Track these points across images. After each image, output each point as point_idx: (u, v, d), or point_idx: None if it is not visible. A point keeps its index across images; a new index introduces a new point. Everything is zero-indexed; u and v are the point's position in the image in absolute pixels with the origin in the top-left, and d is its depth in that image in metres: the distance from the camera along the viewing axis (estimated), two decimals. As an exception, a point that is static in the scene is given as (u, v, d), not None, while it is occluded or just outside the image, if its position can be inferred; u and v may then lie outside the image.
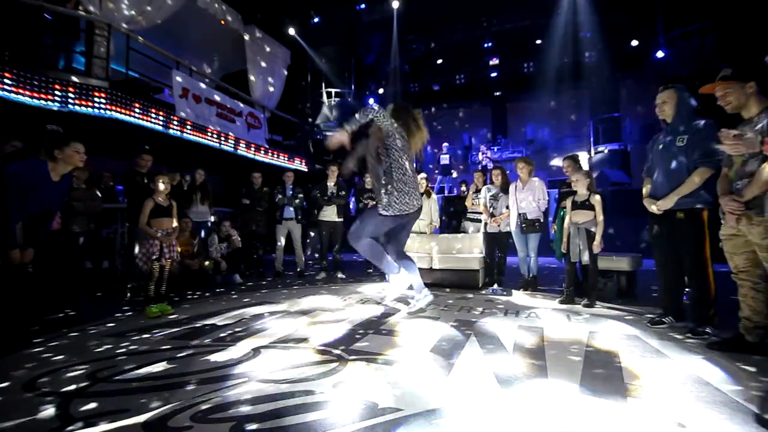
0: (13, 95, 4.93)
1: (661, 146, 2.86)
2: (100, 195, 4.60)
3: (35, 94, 5.13)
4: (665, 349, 2.32)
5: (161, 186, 3.60)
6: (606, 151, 10.48)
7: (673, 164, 2.73)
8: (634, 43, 11.73)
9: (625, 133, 11.46)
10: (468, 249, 5.16)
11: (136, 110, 6.04)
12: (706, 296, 2.64)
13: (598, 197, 3.71)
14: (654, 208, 2.81)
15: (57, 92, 5.29)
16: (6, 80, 4.88)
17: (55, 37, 5.98)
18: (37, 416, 1.52)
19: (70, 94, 5.40)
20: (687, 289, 3.28)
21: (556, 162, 12.34)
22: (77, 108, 5.42)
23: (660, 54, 10.93)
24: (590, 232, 3.64)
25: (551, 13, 11.96)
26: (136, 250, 3.78)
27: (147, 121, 6.27)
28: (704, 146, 2.60)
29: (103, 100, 5.61)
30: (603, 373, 1.95)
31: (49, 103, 5.22)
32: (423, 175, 5.85)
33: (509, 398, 1.67)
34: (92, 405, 1.61)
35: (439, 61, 13.99)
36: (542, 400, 1.65)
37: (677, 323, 2.83)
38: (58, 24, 5.94)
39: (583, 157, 11.26)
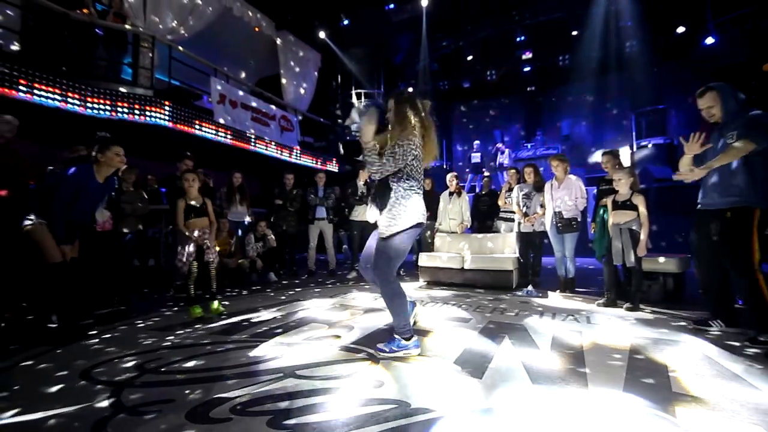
0: (69, 106, 5.33)
1: (713, 150, 2.65)
2: (146, 197, 4.88)
3: (94, 100, 5.60)
4: (718, 358, 2.16)
5: (187, 184, 3.51)
6: (649, 145, 9.87)
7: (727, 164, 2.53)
8: (680, 30, 10.98)
9: (670, 126, 10.76)
10: (501, 249, 5.05)
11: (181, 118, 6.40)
12: (760, 301, 2.44)
13: (641, 197, 3.52)
14: (689, 174, 2.57)
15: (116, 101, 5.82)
16: (64, 90, 5.29)
17: (108, 50, 6.39)
18: (93, 403, 1.63)
19: (137, 104, 5.97)
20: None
21: (595, 158, 11.79)
22: (136, 118, 5.92)
23: (709, 40, 10.21)
24: (633, 231, 3.46)
25: (587, 3, 11.42)
26: (179, 249, 3.92)
27: (188, 128, 6.59)
28: (749, 121, 2.41)
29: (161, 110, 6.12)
30: (648, 382, 1.84)
31: (102, 113, 5.63)
32: (453, 173, 5.79)
33: (545, 405, 1.61)
34: (140, 394, 1.72)
35: (470, 58, 13.69)
36: (581, 410, 1.59)
37: (728, 328, 2.66)
38: (108, 38, 6.35)
39: (625, 153, 10.69)
